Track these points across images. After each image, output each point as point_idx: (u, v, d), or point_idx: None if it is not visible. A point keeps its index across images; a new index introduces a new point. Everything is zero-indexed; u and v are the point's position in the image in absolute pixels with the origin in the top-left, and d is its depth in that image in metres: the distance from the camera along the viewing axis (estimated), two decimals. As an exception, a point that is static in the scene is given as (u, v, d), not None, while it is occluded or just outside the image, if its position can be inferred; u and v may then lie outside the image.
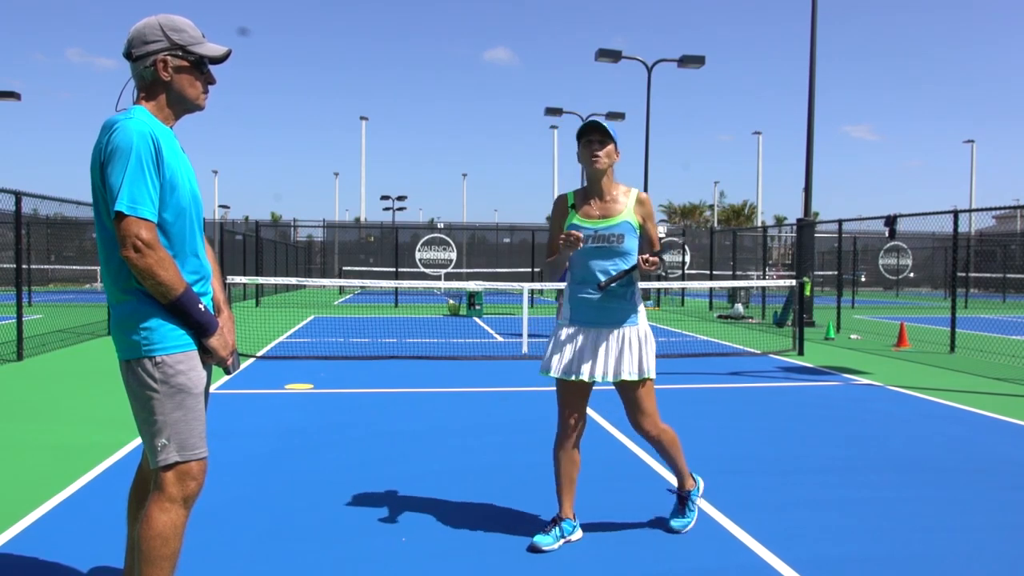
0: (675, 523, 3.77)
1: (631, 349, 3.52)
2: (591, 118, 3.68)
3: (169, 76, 2.46)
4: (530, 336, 11.17)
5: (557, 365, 3.55)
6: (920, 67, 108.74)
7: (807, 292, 12.80)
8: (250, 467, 4.78)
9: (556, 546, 3.51)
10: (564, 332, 3.58)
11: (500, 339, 12.59)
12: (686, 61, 24.76)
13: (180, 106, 2.52)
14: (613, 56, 24.70)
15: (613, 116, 33.81)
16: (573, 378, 3.52)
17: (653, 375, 3.55)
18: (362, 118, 47.81)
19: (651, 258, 3.38)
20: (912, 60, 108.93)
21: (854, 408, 6.98)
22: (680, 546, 3.56)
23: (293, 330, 13.71)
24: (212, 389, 7.37)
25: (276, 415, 6.37)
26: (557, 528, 3.56)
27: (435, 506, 4.09)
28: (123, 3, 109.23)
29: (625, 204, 3.56)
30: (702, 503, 4.13)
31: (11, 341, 9.92)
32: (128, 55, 2.45)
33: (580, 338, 3.54)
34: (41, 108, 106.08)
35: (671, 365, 9.62)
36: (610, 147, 3.49)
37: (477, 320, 16.59)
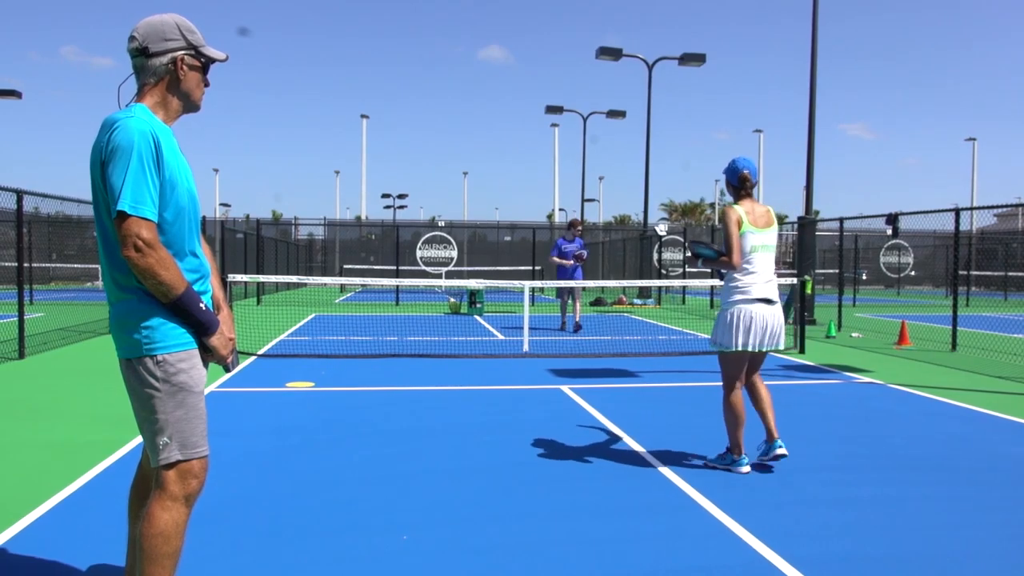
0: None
1: None
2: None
3: (184, 75, 2.48)
4: (531, 334, 11.16)
5: None
6: (915, 66, 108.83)
7: (808, 290, 12.78)
8: (251, 465, 4.79)
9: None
10: None
11: (501, 337, 12.59)
12: (687, 59, 24.76)
13: (183, 105, 2.54)
14: (614, 54, 24.71)
15: (614, 114, 33.88)
16: None
17: (716, 348, 4.75)
18: (363, 116, 47.75)
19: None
20: (906, 59, 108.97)
21: (855, 406, 6.98)
22: (680, 543, 3.56)
23: (294, 328, 13.71)
24: (213, 387, 7.37)
25: (277, 413, 6.37)
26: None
27: (436, 504, 4.09)
28: (118, 1, 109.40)
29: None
30: (701, 499, 4.14)
31: (13, 339, 9.93)
32: (143, 50, 2.45)
33: None
34: (40, 107, 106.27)
35: (672, 363, 9.63)
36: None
37: (478, 318, 16.59)
